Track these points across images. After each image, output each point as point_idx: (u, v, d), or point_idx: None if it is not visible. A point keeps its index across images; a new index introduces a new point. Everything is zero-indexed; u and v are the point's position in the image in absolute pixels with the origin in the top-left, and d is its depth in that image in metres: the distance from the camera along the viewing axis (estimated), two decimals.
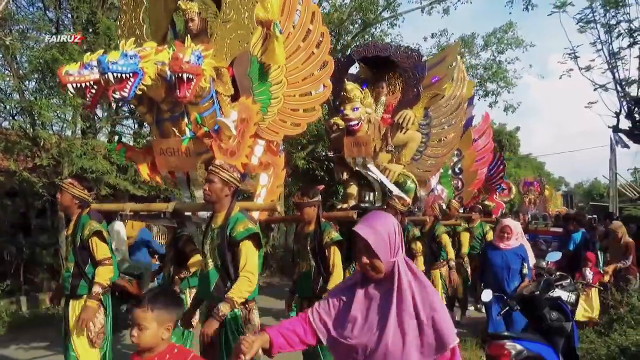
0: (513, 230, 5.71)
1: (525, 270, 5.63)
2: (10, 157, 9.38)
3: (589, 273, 7.03)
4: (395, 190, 6.10)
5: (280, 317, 6.52)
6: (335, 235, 4.13)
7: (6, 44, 8.75)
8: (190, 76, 3.53)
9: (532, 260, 6.06)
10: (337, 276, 4.03)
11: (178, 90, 3.55)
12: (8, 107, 9.68)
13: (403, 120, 6.19)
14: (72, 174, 9.56)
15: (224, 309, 3.03)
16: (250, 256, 3.17)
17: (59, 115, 9.94)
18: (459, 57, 8.03)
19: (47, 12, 10.03)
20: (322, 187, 6.28)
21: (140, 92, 3.65)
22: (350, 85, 5.95)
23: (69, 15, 10.06)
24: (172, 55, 3.52)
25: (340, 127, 6.17)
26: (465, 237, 7.71)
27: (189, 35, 3.83)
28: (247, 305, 3.30)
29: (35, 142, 9.22)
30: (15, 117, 9.82)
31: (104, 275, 3.88)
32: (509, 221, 5.97)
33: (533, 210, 16.37)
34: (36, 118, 9.46)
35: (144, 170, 4.19)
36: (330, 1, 13.58)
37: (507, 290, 5.42)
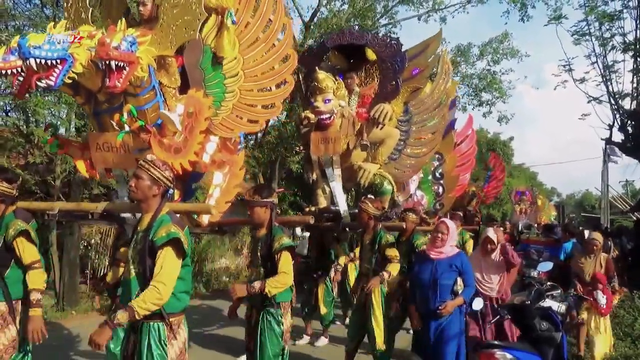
0: (450, 230, 4.24)
1: (457, 287, 4.16)
2: (3, 154, 8.99)
3: (602, 297, 5.61)
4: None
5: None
6: (286, 241, 3.57)
7: (1, 39, 8.33)
8: (121, 64, 3.01)
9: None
10: (282, 280, 3.47)
11: (107, 79, 3.03)
12: (2, 103, 9.25)
13: (380, 115, 5.43)
14: (64, 171, 9.18)
15: (120, 317, 2.49)
16: (166, 264, 2.63)
17: (53, 113, 9.54)
18: (443, 48, 7.25)
19: (44, 9, 9.57)
20: (281, 189, 5.70)
21: (70, 81, 3.13)
22: (321, 75, 5.17)
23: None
24: (99, 41, 2.99)
25: (312, 121, 5.40)
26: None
27: (123, 19, 3.30)
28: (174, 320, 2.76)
29: (28, 140, 8.81)
30: (9, 114, 9.39)
31: (38, 279, 3.34)
32: (445, 220, 4.51)
33: (525, 219, 15.79)
34: (30, 115, 9.09)
35: (82, 167, 3.67)
36: (328, 7, 13.11)
37: (430, 313, 4.10)
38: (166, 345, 2.68)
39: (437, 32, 6.44)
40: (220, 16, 3.71)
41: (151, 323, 2.72)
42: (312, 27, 12.80)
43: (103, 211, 3.32)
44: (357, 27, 13.64)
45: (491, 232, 4.90)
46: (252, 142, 15.50)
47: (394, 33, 14.29)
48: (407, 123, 6.25)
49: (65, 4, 3.89)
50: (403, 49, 5.82)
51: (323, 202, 5.59)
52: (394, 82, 5.68)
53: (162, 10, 3.52)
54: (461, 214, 8.73)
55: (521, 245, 12.14)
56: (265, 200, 3.62)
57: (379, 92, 5.84)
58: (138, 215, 3.37)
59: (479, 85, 15.75)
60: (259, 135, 14.88)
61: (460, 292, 4.14)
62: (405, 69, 5.75)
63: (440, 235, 4.21)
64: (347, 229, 5.53)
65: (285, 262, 3.52)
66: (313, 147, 5.30)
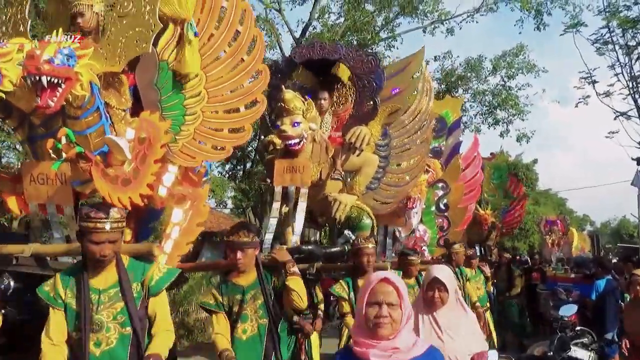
0: (403, 298, 2.08)
1: None
2: None
3: None
4: (295, 243, 4.87)
5: None
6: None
7: None
8: (55, 80, 2.87)
9: None
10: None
11: (38, 98, 2.89)
12: None
13: (357, 139, 5.21)
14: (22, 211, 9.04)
15: None
16: (165, 309, 2.83)
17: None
18: (424, 65, 7.13)
19: None
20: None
21: None
22: (289, 94, 4.88)
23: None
24: (27, 53, 2.85)
25: (278, 146, 5.17)
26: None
27: (60, 29, 3.17)
28: None
29: None
30: None
31: None
32: (389, 275, 2.23)
33: (557, 252, 15.46)
34: None
35: (13, 204, 3.51)
36: (321, 20, 13.16)
37: None
38: None
39: (419, 50, 6.40)
40: (179, 27, 3.58)
41: None
42: (304, 42, 12.82)
43: (31, 255, 3.14)
44: (354, 41, 13.71)
45: (442, 272, 3.05)
46: (240, 173, 15.39)
47: (395, 47, 14.33)
48: (387, 148, 5.99)
49: (4, 16, 3.74)
50: (381, 66, 5.71)
51: (293, 240, 5.15)
52: (371, 102, 5.49)
53: (108, 21, 3.39)
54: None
55: (548, 283, 11.80)
56: (256, 241, 3.42)
57: (354, 114, 5.65)
58: (78, 258, 3.18)
59: (492, 102, 15.67)
60: (248, 165, 14.78)
61: None
62: (383, 87, 5.58)
63: (384, 310, 2.04)
64: (322, 272, 5.16)
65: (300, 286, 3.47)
66: (277, 176, 4.92)
